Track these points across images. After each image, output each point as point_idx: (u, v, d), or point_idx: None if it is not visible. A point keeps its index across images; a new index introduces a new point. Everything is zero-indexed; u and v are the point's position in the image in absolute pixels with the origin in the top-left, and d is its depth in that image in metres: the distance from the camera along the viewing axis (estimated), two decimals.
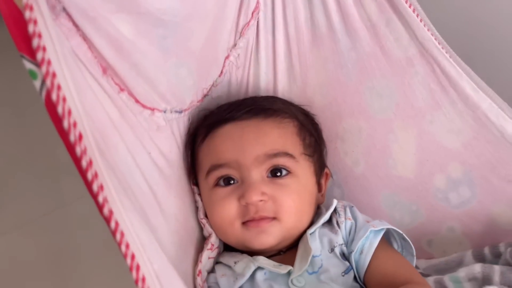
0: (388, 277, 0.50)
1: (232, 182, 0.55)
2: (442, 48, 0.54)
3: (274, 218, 0.54)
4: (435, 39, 0.54)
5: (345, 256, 0.54)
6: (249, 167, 0.54)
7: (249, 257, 0.54)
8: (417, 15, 0.54)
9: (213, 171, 0.56)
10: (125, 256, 0.32)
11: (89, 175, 0.30)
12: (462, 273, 0.53)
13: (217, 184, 0.56)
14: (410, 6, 0.54)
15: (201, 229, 0.60)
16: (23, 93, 0.93)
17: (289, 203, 0.54)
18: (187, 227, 0.57)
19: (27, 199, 0.87)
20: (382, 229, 0.54)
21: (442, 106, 0.57)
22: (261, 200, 0.53)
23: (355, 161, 0.66)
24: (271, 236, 0.54)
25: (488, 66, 0.72)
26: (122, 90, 0.45)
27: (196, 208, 0.60)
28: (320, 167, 0.62)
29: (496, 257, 0.57)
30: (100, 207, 0.31)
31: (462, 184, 0.59)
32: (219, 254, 0.58)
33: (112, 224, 0.31)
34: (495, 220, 0.58)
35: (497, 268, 0.52)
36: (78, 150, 0.29)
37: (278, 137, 0.57)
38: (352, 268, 0.52)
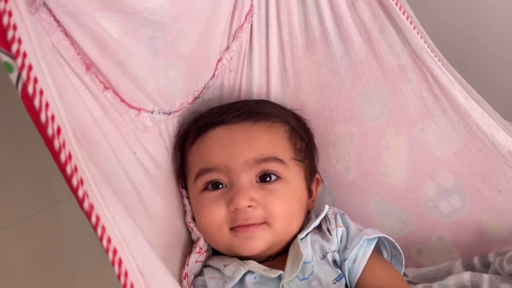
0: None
1: (220, 186, 0.55)
2: (435, 56, 0.54)
3: (263, 223, 0.53)
4: (428, 47, 0.54)
5: (336, 264, 0.53)
6: (239, 172, 0.54)
7: (239, 261, 0.53)
8: (411, 23, 0.54)
9: (202, 175, 0.55)
10: (106, 250, 0.31)
11: (68, 169, 0.29)
12: (451, 281, 0.53)
13: (205, 189, 0.55)
14: (404, 13, 0.54)
15: (188, 232, 0.59)
16: (13, 90, 0.92)
17: (278, 208, 0.53)
18: (174, 230, 0.57)
19: (17, 198, 0.87)
20: (375, 238, 0.53)
21: (433, 114, 0.56)
22: (249, 206, 0.52)
23: (346, 167, 0.66)
24: (260, 241, 0.53)
25: (482, 71, 0.72)
26: (106, 88, 0.45)
27: (184, 212, 0.60)
28: (311, 172, 0.61)
29: (485, 267, 0.57)
30: (80, 202, 0.30)
31: (452, 193, 0.59)
32: (207, 258, 0.57)
33: (93, 219, 0.30)
34: (485, 230, 0.58)
35: (486, 277, 0.51)
36: (56, 144, 0.29)
37: (268, 141, 0.56)
38: (344, 276, 0.52)
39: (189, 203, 0.59)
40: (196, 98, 0.62)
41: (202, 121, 0.59)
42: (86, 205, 0.30)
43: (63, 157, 0.29)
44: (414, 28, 0.54)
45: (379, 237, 0.54)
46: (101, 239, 0.31)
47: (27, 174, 0.89)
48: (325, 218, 0.56)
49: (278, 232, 0.54)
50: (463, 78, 0.54)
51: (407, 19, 0.54)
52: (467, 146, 0.55)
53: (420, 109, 0.57)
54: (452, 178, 0.58)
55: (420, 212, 0.62)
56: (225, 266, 0.53)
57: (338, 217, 0.56)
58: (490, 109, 0.53)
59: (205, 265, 0.57)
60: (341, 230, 0.55)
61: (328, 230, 0.55)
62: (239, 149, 0.54)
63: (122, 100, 0.48)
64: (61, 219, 0.87)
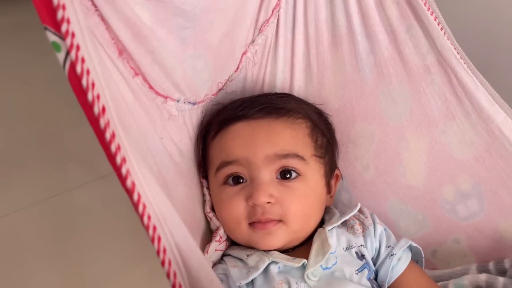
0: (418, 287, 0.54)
1: (241, 181, 0.56)
2: (461, 58, 0.54)
3: (280, 221, 0.54)
4: (454, 48, 0.54)
5: (361, 256, 0.55)
6: (259, 166, 0.54)
7: (262, 251, 0.54)
8: (438, 23, 0.54)
9: (223, 168, 0.56)
10: (147, 228, 0.32)
11: (113, 148, 0.30)
12: (466, 280, 0.53)
13: (225, 182, 0.56)
14: (432, 14, 0.54)
15: (207, 221, 0.60)
16: (34, 77, 0.94)
17: (296, 207, 0.54)
18: (194, 217, 0.58)
19: (32, 182, 0.88)
20: (414, 246, 0.57)
21: (456, 117, 0.56)
22: (268, 202, 0.53)
23: (365, 166, 0.66)
24: (277, 238, 0.54)
25: (506, 75, 0.72)
26: (136, 74, 0.46)
27: (204, 201, 0.61)
28: (331, 168, 0.62)
29: (501, 273, 0.57)
30: (123, 180, 0.31)
31: (470, 196, 0.59)
32: (226, 248, 0.58)
33: (135, 196, 0.31)
34: (501, 235, 0.58)
35: (501, 280, 0.52)
36: (102, 122, 0.30)
37: (290, 138, 0.56)
38: (367, 267, 0.54)
39: (209, 194, 0.60)
40: (219, 90, 0.63)
41: (224, 115, 0.60)
42: (129, 182, 0.31)
43: (108, 135, 0.30)
44: (441, 29, 0.54)
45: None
46: (142, 216, 0.32)
47: (43, 160, 0.90)
48: (362, 213, 0.59)
49: (295, 230, 0.55)
50: (487, 82, 0.54)
51: (434, 19, 0.54)
52: (488, 150, 0.55)
53: (443, 110, 0.57)
54: (471, 181, 0.58)
55: (436, 214, 0.62)
56: (248, 256, 0.54)
57: (375, 216, 0.59)
58: None
59: (224, 254, 0.58)
60: (380, 227, 0.57)
61: (362, 225, 0.57)
62: (261, 144, 0.55)
63: (151, 87, 0.49)
64: (74, 204, 0.88)
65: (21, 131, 0.93)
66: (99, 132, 0.30)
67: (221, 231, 0.57)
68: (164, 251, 0.33)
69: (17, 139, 0.92)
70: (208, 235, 0.59)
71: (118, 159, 0.30)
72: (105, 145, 0.30)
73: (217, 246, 0.56)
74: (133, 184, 0.31)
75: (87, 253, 0.81)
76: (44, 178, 0.89)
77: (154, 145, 0.47)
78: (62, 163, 0.91)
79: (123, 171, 0.31)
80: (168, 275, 0.33)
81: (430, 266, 0.64)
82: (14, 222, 0.84)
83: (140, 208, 0.32)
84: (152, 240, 0.32)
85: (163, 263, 0.33)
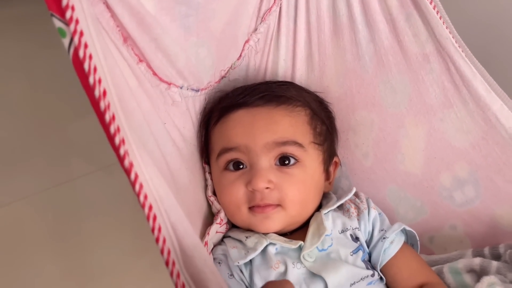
0: (410, 271, 0.55)
1: (241, 166, 0.57)
2: (459, 47, 0.55)
3: (278, 206, 0.56)
4: (453, 37, 0.55)
5: (356, 239, 0.56)
6: (258, 153, 0.56)
7: (261, 234, 0.56)
8: (437, 12, 0.55)
9: (223, 154, 0.58)
10: (143, 206, 0.34)
11: (112, 129, 0.32)
12: (461, 264, 0.55)
13: (226, 168, 0.58)
14: (431, 3, 0.55)
15: (209, 205, 0.62)
16: (37, 69, 0.96)
17: (294, 193, 0.56)
18: (196, 201, 0.59)
19: (35, 172, 0.90)
20: (407, 229, 0.58)
21: (453, 105, 0.57)
22: (267, 188, 0.55)
23: (364, 153, 0.68)
24: (275, 222, 0.56)
25: (508, 68, 0.72)
26: (141, 61, 0.47)
27: (206, 186, 0.63)
28: (330, 155, 0.63)
29: (496, 258, 0.58)
30: (121, 160, 0.33)
31: (467, 183, 0.60)
32: (227, 230, 0.60)
33: (132, 176, 0.33)
34: (497, 221, 0.59)
35: (494, 264, 0.53)
36: (102, 105, 0.31)
37: (289, 125, 0.58)
38: (362, 249, 0.55)
39: (211, 178, 0.62)
40: (222, 78, 0.65)
41: (225, 102, 0.61)
42: (126, 162, 0.32)
43: (107, 117, 0.31)
44: (440, 18, 0.55)
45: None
46: (138, 194, 0.33)
47: (46, 150, 0.92)
48: (358, 197, 0.61)
49: (293, 215, 0.56)
50: (485, 70, 0.55)
51: (433, 8, 0.55)
52: (485, 137, 0.56)
53: (441, 98, 0.58)
54: (468, 168, 0.59)
55: (434, 201, 0.63)
56: (247, 237, 0.56)
57: (370, 201, 0.60)
58: (509, 102, 0.54)
59: (224, 236, 0.59)
60: (374, 212, 0.59)
61: (357, 208, 0.59)
62: (260, 132, 0.56)
63: (154, 74, 0.51)
64: (77, 194, 0.89)
65: (24, 122, 0.94)
66: (100, 114, 0.31)
67: (222, 214, 0.59)
68: (159, 229, 0.34)
69: (21, 130, 0.94)
70: (209, 218, 0.61)
71: (117, 140, 0.32)
72: (105, 126, 0.32)
73: (218, 228, 0.58)
74: (131, 164, 0.33)
75: (89, 243, 0.82)
76: (47, 169, 0.89)
77: (157, 129, 0.49)
78: (65, 154, 0.92)
79: (121, 151, 0.32)
80: (162, 252, 0.35)
81: (428, 252, 0.65)
82: (17, 211, 0.84)
83: (137, 187, 0.33)
84: (148, 218, 0.34)
85: (157, 240, 0.34)
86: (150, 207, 0.34)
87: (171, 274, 0.35)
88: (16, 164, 0.89)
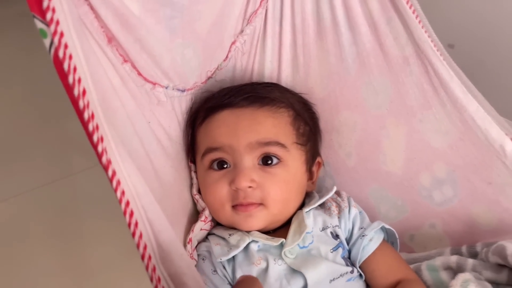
0: (388, 267, 0.57)
1: (225, 166, 0.58)
2: (437, 50, 0.56)
3: (261, 204, 0.57)
4: (431, 41, 0.56)
5: (337, 236, 0.58)
6: (242, 153, 0.57)
7: (244, 231, 0.57)
8: (416, 16, 0.56)
9: (208, 154, 0.59)
10: (120, 201, 0.35)
11: (90, 127, 0.33)
12: (438, 261, 0.56)
13: (211, 167, 0.59)
14: (410, 7, 0.56)
15: (194, 203, 0.63)
16: (38, 62, 0.97)
17: (276, 192, 0.57)
18: (181, 199, 0.61)
19: (35, 167, 0.90)
20: (387, 228, 0.60)
21: (432, 106, 0.59)
22: (250, 187, 0.56)
23: (348, 153, 0.69)
24: (257, 220, 0.57)
25: (499, 69, 0.74)
26: (125, 61, 0.48)
27: (191, 184, 0.64)
28: (313, 155, 0.65)
29: (473, 256, 0.59)
30: (99, 156, 0.34)
31: (445, 183, 0.61)
32: (212, 228, 0.61)
33: (110, 172, 0.34)
34: (474, 220, 0.60)
35: (470, 261, 0.54)
36: (81, 104, 0.32)
37: (272, 126, 0.59)
38: (342, 246, 0.57)
39: (196, 177, 0.63)
40: (209, 78, 0.66)
41: (211, 103, 0.62)
42: (104, 159, 0.34)
43: (86, 115, 0.33)
44: (419, 22, 0.56)
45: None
46: (115, 190, 0.35)
47: (46, 146, 0.92)
48: (339, 196, 0.62)
49: (275, 213, 0.58)
50: (463, 73, 0.56)
51: (413, 12, 0.56)
52: (462, 138, 0.58)
53: (420, 100, 0.60)
54: (446, 168, 0.61)
55: (414, 200, 0.65)
56: (230, 235, 0.57)
57: (351, 199, 0.62)
58: (486, 104, 0.56)
59: (209, 233, 0.61)
60: (355, 210, 0.60)
61: (338, 206, 0.60)
62: (243, 132, 0.58)
63: (139, 74, 0.52)
64: (75, 189, 0.90)
65: (23, 118, 0.95)
66: (79, 112, 0.33)
67: (206, 212, 0.60)
68: (136, 224, 0.36)
69: (20, 126, 0.95)
70: (194, 216, 0.62)
71: (95, 138, 0.33)
72: (84, 124, 0.33)
73: (203, 225, 0.59)
74: (109, 161, 0.34)
75: (87, 239, 0.83)
76: (45, 164, 0.91)
77: (142, 128, 0.50)
78: (64, 150, 0.93)
79: (99, 148, 0.34)
80: (138, 246, 0.36)
81: (408, 250, 0.67)
82: (16, 206, 0.86)
83: (114, 183, 0.35)
84: (124, 213, 0.35)
85: (133, 234, 0.36)
86: (127, 203, 0.35)
87: (147, 268, 0.36)
88: (15, 160, 0.90)
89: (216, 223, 0.63)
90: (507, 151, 0.55)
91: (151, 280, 0.36)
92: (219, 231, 0.60)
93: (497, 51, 0.78)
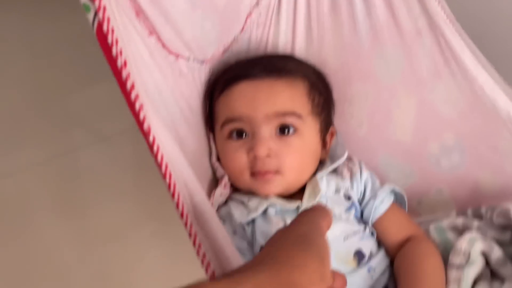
0: (398, 226, 0.60)
1: (243, 135, 0.61)
2: (450, 22, 0.58)
3: (277, 172, 0.60)
4: (444, 12, 0.58)
5: (348, 198, 0.61)
6: (260, 123, 0.60)
7: (261, 197, 0.61)
8: None
9: (227, 124, 0.62)
10: (160, 165, 0.38)
11: (133, 96, 0.36)
12: (445, 223, 0.60)
13: (230, 137, 0.62)
14: None
15: (213, 171, 0.66)
16: (40, 40, 0.97)
17: (291, 160, 0.60)
18: (202, 166, 0.64)
19: (38, 142, 0.91)
20: (395, 190, 0.63)
21: (443, 77, 0.61)
22: (267, 155, 0.59)
23: (359, 123, 0.72)
24: (274, 186, 0.60)
25: (500, 47, 0.75)
26: (151, 33, 0.51)
27: (210, 153, 0.67)
28: (327, 125, 0.67)
29: (477, 218, 0.62)
30: (140, 124, 0.37)
31: (453, 151, 0.64)
32: (231, 194, 0.65)
33: (150, 138, 0.37)
34: (479, 186, 0.64)
35: (476, 222, 0.58)
36: (124, 74, 0.35)
37: (289, 97, 0.61)
38: (354, 207, 0.60)
39: (215, 146, 0.66)
40: (225, 51, 0.68)
41: (229, 74, 0.64)
42: (145, 126, 0.37)
43: (128, 85, 0.35)
44: None
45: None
46: (156, 155, 0.38)
47: (49, 121, 0.94)
48: (350, 161, 0.65)
49: (290, 180, 0.61)
50: (473, 44, 0.58)
51: None
52: (471, 107, 0.60)
53: (431, 71, 0.62)
54: (454, 137, 0.63)
55: (422, 167, 0.68)
56: (248, 199, 0.61)
57: (363, 164, 0.65)
58: (495, 75, 0.58)
59: (228, 199, 0.64)
60: (366, 173, 0.64)
61: (351, 170, 0.63)
62: (261, 103, 0.60)
63: (164, 46, 0.54)
64: (79, 164, 0.90)
65: (27, 93, 0.96)
66: (122, 83, 0.35)
67: (225, 179, 0.63)
68: (174, 185, 0.39)
69: (24, 101, 0.95)
70: (214, 183, 0.65)
71: (137, 106, 0.36)
72: (126, 93, 0.36)
73: (222, 191, 0.63)
74: (149, 127, 0.37)
75: (91, 212, 0.85)
76: (49, 139, 0.91)
77: (167, 98, 0.53)
78: (68, 125, 0.94)
79: (141, 116, 0.36)
80: (177, 206, 0.39)
81: (415, 214, 0.70)
82: (21, 181, 0.86)
83: (155, 148, 0.38)
84: (165, 176, 0.38)
85: (173, 195, 0.39)
86: (166, 166, 0.38)
87: (185, 224, 0.39)
88: (19, 135, 0.91)
89: (235, 189, 0.66)
90: None
91: (190, 235, 0.39)
92: (238, 196, 0.63)
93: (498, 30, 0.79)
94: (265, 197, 0.61)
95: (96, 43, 0.35)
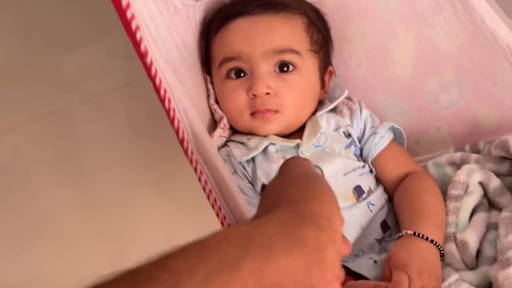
0: (397, 162, 0.61)
1: (242, 74, 0.60)
2: None
3: (277, 111, 0.60)
4: None
5: (348, 135, 0.62)
6: (258, 61, 0.59)
7: (261, 136, 0.61)
8: None
9: (225, 63, 0.61)
10: (159, 88, 0.38)
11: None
12: (443, 158, 0.60)
13: (228, 76, 0.61)
14: None
15: (211, 114, 0.66)
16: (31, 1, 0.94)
17: (291, 98, 0.60)
18: (200, 108, 0.63)
19: (30, 100, 0.90)
20: (395, 128, 0.63)
21: (443, 9, 0.60)
22: (267, 93, 0.59)
23: (358, 63, 0.71)
24: (274, 124, 0.60)
25: None
26: None
27: (208, 95, 0.66)
28: (325, 64, 0.67)
29: (475, 153, 0.63)
30: (137, 45, 0.37)
31: (452, 86, 0.64)
32: (230, 136, 0.65)
33: (148, 60, 0.37)
34: (478, 121, 0.64)
35: (474, 155, 0.58)
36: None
37: (286, 33, 0.60)
38: (354, 144, 0.61)
39: (212, 88, 0.66)
40: None
41: (225, 12, 0.63)
42: (142, 47, 0.37)
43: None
44: None
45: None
46: (154, 77, 0.38)
47: (41, 79, 0.93)
48: (350, 100, 0.65)
49: (289, 119, 0.61)
50: None
51: None
52: (471, 40, 0.60)
53: (431, 4, 0.61)
54: (454, 71, 0.63)
55: (421, 105, 0.68)
56: (248, 139, 0.61)
57: (362, 103, 0.65)
58: (495, 5, 0.57)
59: (227, 141, 0.64)
60: (366, 112, 0.64)
61: (350, 109, 0.63)
62: (259, 39, 0.59)
63: None
64: (74, 121, 0.90)
65: (19, 52, 0.95)
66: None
67: (224, 120, 0.63)
68: (174, 110, 0.40)
69: (15, 60, 0.94)
70: (212, 125, 0.65)
71: (133, 26, 0.36)
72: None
73: (221, 132, 0.63)
74: (146, 49, 0.37)
75: (88, 168, 0.85)
76: (42, 97, 0.90)
77: (163, 33, 0.52)
78: (59, 84, 0.93)
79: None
80: (177, 132, 0.40)
81: (414, 154, 0.70)
82: (16, 138, 0.86)
83: (153, 71, 0.38)
84: (164, 100, 0.39)
85: (172, 120, 0.40)
86: (165, 91, 0.38)
87: (186, 151, 0.39)
88: (11, 93, 0.90)
89: (234, 131, 0.66)
90: None
91: (191, 162, 0.39)
92: (237, 137, 0.63)
93: None
94: (265, 136, 0.61)
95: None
